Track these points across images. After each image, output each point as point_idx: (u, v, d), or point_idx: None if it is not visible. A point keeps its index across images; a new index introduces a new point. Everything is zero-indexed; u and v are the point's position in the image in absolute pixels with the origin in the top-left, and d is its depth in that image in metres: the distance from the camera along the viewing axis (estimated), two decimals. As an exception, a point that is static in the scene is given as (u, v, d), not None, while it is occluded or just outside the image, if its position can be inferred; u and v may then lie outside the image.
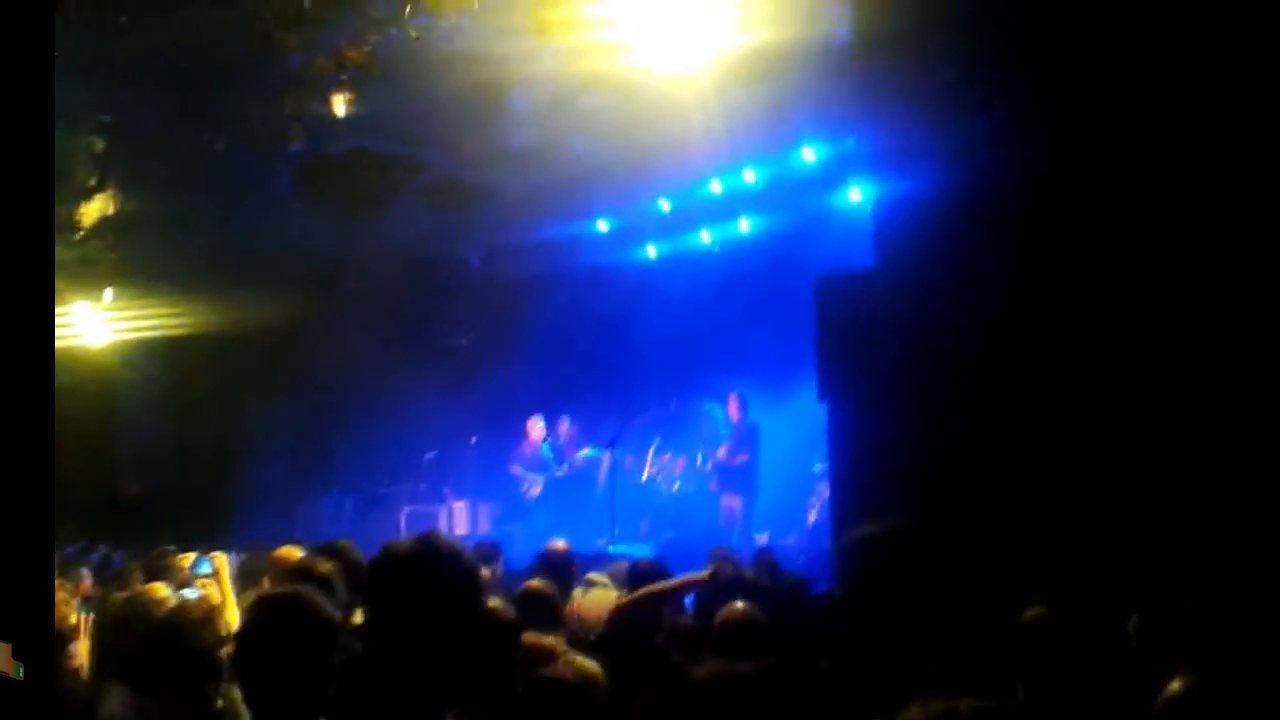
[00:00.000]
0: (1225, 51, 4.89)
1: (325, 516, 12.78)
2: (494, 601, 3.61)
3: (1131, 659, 2.85)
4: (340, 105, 9.63)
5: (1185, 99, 5.01)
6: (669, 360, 12.65)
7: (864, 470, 5.85)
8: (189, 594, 5.37)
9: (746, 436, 11.40)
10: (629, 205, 12.79)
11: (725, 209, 12.34)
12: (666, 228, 13.00)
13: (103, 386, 13.24)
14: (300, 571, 4.22)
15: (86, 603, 5.99)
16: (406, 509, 12.69)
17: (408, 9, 8.37)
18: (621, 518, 11.00)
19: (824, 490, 10.40)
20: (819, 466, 10.93)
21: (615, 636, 4.59)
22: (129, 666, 3.38)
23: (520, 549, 9.47)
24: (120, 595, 4.73)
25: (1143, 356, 5.05)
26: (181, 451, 13.66)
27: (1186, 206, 4.99)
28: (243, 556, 6.56)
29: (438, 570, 2.49)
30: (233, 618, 4.97)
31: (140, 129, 10.32)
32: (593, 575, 5.87)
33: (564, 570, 5.46)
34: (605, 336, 13.19)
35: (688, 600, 5.28)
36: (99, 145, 10.56)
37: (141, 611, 4.06)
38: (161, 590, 4.87)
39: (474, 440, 13.67)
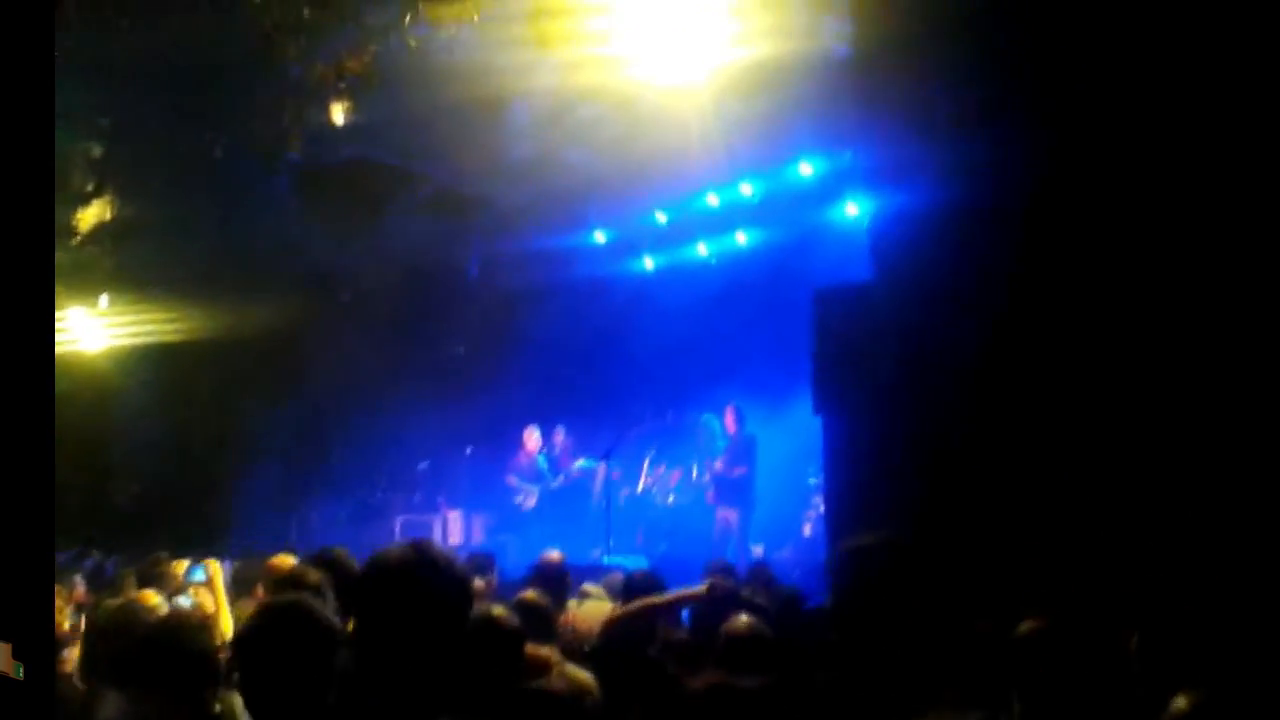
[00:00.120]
0: (1225, 74, 4.90)
1: (319, 525, 12.76)
2: (498, 610, 3.61)
3: (1131, 673, 2.84)
4: (339, 114, 9.64)
5: (1183, 116, 5.03)
6: (665, 372, 12.65)
7: (860, 483, 5.85)
8: (182, 601, 5.36)
9: (744, 449, 11.39)
10: (626, 217, 12.82)
11: (722, 221, 12.37)
12: (664, 239, 13.03)
13: (98, 392, 13.21)
14: (292, 580, 4.20)
15: (79, 609, 5.98)
16: (401, 518, 12.68)
17: (407, 19, 8.39)
18: (616, 529, 10.98)
19: (820, 503, 10.42)
20: (814, 479, 10.95)
21: (609, 648, 4.59)
22: (124, 670, 3.37)
23: (515, 559, 9.46)
24: (113, 602, 4.71)
25: (1141, 369, 5.06)
26: (176, 458, 13.62)
27: (1185, 220, 5.00)
28: (236, 564, 6.55)
29: (428, 578, 2.49)
30: (227, 626, 4.96)
31: (139, 134, 10.33)
32: (588, 586, 5.87)
33: (559, 581, 5.45)
34: (602, 347, 13.19)
35: (683, 613, 5.28)
36: (97, 150, 10.57)
37: (134, 619, 4.05)
38: (154, 598, 4.86)
39: (469, 450, 13.66)
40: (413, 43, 8.54)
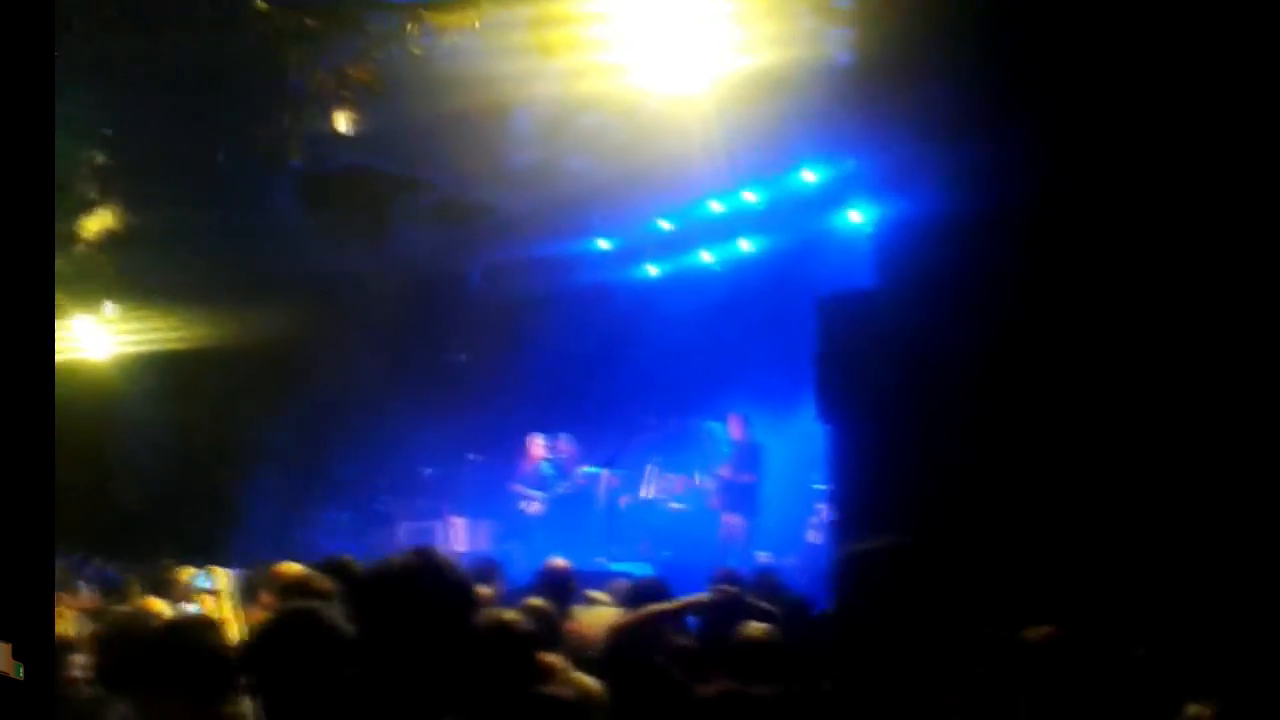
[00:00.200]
0: (1227, 77, 4.91)
1: (323, 532, 12.75)
2: (510, 614, 3.61)
3: (1138, 680, 2.84)
4: (342, 122, 9.65)
5: (1186, 119, 5.04)
6: (669, 379, 12.64)
7: (865, 489, 5.85)
8: (189, 609, 5.37)
9: (751, 456, 11.39)
10: (630, 224, 12.83)
11: (726, 229, 12.38)
12: (667, 247, 13.03)
13: (101, 400, 13.22)
14: (299, 587, 4.21)
15: (85, 615, 5.97)
16: (405, 525, 12.67)
17: (410, 27, 8.41)
18: (621, 536, 10.98)
19: (825, 509, 10.41)
20: (819, 485, 10.93)
21: (616, 655, 4.58)
22: (135, 674, 3.36)
23: (520, 567, 9.45)
24: (122, 609, 4.72)
25: (1146, 374, 5.06)
26: (179, 464, 13.62)
27: (1189, 224, 5.01)
28: (244, 573, 6.54)
29: (431, 584, 2.49)
30: (234, 633, 4.95)
31: (142, 141, 10.35)
32: (593, 593, 5.87)
33: (564, 588, 5.46)
34: (605, 355, 13.18)
35: (690, 620, 5.27)
36: (100, 158, 10.59)
37: (146, 624, 4.05)
38: (160, 605, 4.87)
39: (473, 457, 13.66)
40: (416, 51, 8.55)
